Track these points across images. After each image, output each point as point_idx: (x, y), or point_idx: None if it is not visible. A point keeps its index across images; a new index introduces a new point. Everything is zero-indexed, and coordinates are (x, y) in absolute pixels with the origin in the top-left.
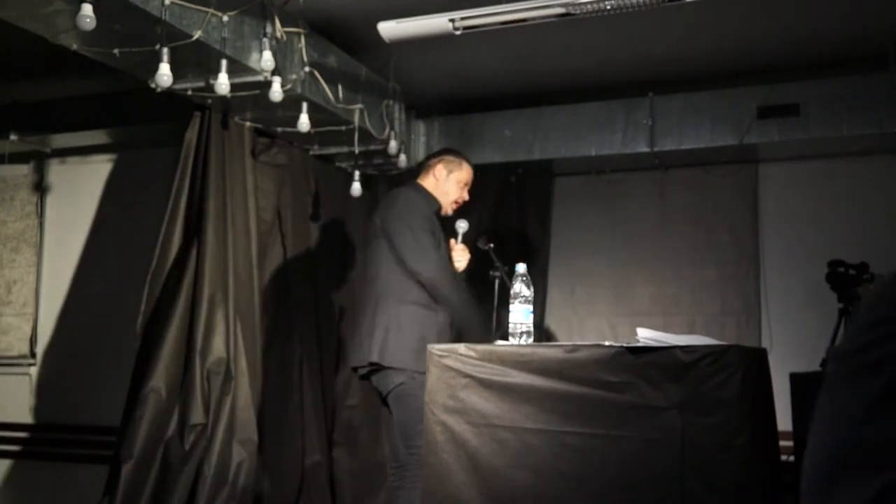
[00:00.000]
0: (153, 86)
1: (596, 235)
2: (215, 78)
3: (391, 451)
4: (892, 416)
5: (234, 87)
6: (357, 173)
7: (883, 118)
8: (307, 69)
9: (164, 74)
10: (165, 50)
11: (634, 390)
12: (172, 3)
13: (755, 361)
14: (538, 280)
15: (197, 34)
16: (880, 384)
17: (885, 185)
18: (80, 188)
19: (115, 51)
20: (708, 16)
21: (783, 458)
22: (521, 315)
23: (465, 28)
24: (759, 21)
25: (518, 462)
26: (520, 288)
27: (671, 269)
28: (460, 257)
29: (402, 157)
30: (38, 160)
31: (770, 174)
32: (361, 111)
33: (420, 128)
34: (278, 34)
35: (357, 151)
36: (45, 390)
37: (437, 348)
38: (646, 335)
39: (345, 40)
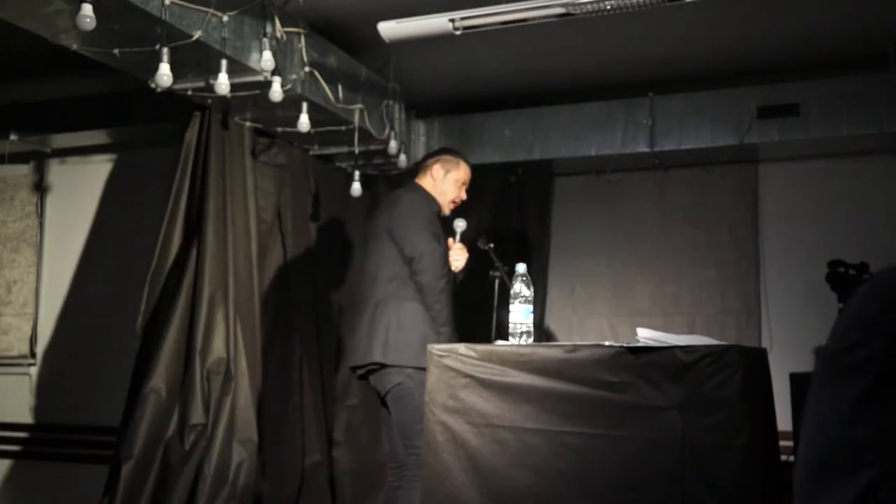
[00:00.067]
0: (153, 86)
1: (596, 235)
2: (215, 78)
3: (390, 451)
4: (877, 416)
5: (234, 87)
6: (357, 173)
7: (883, 118)
8: (307, 69)
9: (164, 74)
10: (165, 50)
11: (634, 390)
12: (172, 3)
13: (755, 361)
14: (538, 280)
15: (197, 34)
16: (865, 384)
17: (885, 185)
18: (80, 188)
19: (115, 51)
20: (708, 16)
21: (783, 458)
22: (521, 315)
23: (465, 28)
24: (759, 21)
25: (518, 462)
26: (520, 288)
27: (671, 269)
28: (458, 256)
29: (402, 157)
30: (38, 160)
31: (770, 174)
32: (361, 111)
33: (420, 128)
34: (278, 34)
35: (357, 151)
36: (45, 390)
37: (437, 348)
38: (646, 335)
39: (345, 40)
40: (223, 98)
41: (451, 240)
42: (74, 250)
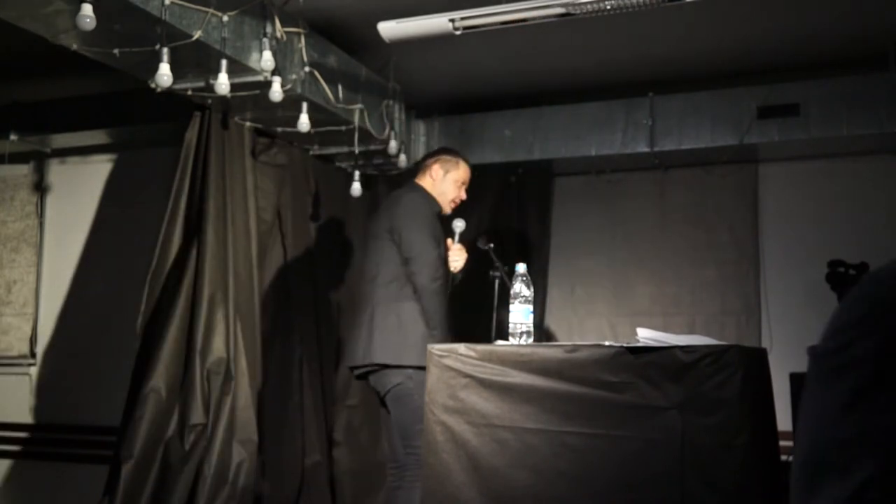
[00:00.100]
0: (153, 86)
1: (596, 235)
2: (215, 78)
3: (390, 451)
4: (868, 415)
5: (234, 87)
6: (357, 173)
7: (883, 118)
8: (307, 69)
9: (164, 74)
10: (165, 50)
11: (634, 390)
12: (172, 3)
13: (755, 361)
14: (538, 280)
15: (197, 34)
16: (856, 383)
17: (885, 185)
18: (80, 188)
19: (115, 51)
20: (708, 16)
21: (783, 458)
22: (521, 315)
23: (465, 28)
24: (759, 21)
25: (518, 462)
26: (520, 288)
27: (671, 269)
28: (457, 257)
29: (402, 157)
30: (38, 160)
31: (770, 174)
32: (361, 111)
33: (420, 128)
34: (278, 34)
35: (357, 151)
36: (45, 390)
37: (437, 348)
38: (646, 335)
39: (345, 40)
40: (223, 98)
41: (449, 240)
42: (74, 250)
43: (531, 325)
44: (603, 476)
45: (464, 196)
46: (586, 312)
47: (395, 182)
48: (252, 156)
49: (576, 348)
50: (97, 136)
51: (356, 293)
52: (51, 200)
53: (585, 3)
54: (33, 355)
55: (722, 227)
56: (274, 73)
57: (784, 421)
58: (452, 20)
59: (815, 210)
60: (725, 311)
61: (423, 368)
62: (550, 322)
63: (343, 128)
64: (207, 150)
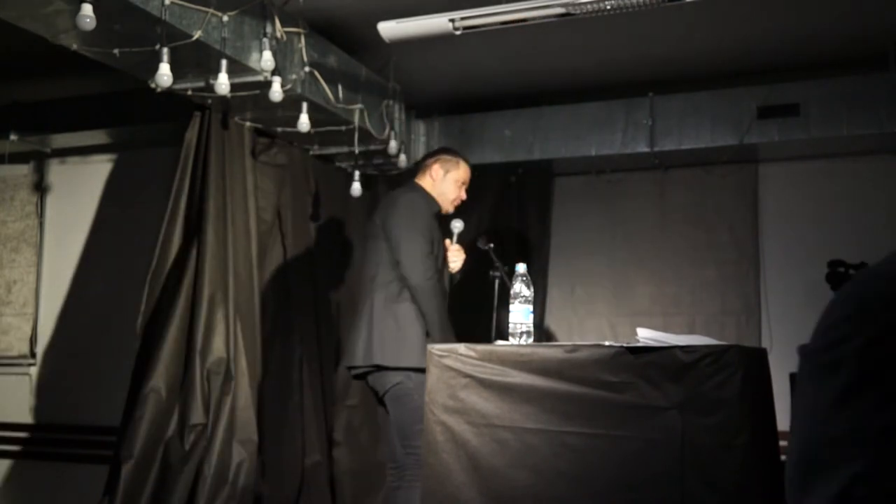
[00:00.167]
0: (153, 86)
1: (596, 235)
2: (215, 78)
3: (389, 451)
4: (856, 412)
5: (234, 87)
6: (357, 173)
7: (883, 118)
8: (307, 69)
9: (164, 74)
10: (165, 50)
11: (634, 390)
12: (172, 3)
13: (755, 361)
14: (538, 280)
15: (197, 34)
16: (844, 380)
17: (885, 185)
18: (80, 188)
19: (115, 51)
20: (708, 16)
21: (783, 458)
22: (521, 315)
23: (465, 28)
24: (759, 21)
25: (518, 462)
26: (520, 288)
27: (671, 269)
28: (455, 257)
29: (402, 157)
30: (38, 160)
31: (770, 174)
32: (361, 111)
33: (420, 128)
34: (278, 34)
35: (357, 151)
36: (45, 390)
37: (437, 348)
38: (646, 335)
39: (345, 40)
40: (223, 98)
41: (447, 241)
42: (74, 250)
43: (531, 325)
44: (603, 476)
45: (464, 196)
46: (586, 312)
47: (395, 182)
48: (252, 156)
49: (576, 348)
50: (97, 136)
51: (356, 293)
52: (51, 200)
53: (585, 3)
54: (33, 355)
55: (722, 227)
56: (274, 73)
57: (784, 421)
58: (452, 20)
59: (815, 210)
60: (725, 311)
61: (421, 370)
62: (550, 322)
63: (343, 128)
64: (207, 150)
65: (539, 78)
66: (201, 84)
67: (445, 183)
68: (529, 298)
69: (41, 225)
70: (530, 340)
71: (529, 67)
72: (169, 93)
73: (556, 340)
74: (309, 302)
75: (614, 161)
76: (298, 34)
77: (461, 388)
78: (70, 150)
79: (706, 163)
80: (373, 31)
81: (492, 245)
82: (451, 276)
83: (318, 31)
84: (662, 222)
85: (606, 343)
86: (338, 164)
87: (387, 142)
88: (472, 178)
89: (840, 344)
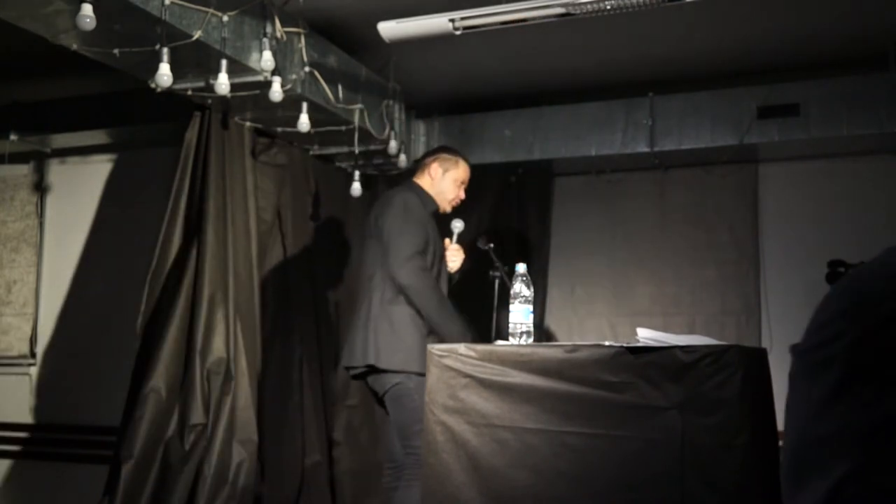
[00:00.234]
0: (153, 86)
1: (596, 235)
2: (215, 78)
3: (387, 451)
4: (846, 411)
5: (234, 87)
6: (357, 173)
7: (883, 118)
8: (307, 69)
9: (164, 74)
10: (165, 50)
11: (634, 390)
12: (172, 3)
13: (755, 361)
14: (538, 280)
15: (197, 34)
16: (833, 380)
17: (885, 185)
18: (80, 188)
19: (115, 51)
20: (708, 16)
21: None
22: (521, 315)
23: (465, 28)
24: (759, 21)
25: (518, 462)
26: (520, 288)
27: (671, 269)
28: (454, 257)
29: (402, 157)
30: (38, 160)
31: (770, 174)
32: (361, 111)
33: (420, 128)
34: (278, 34)
35: (357, 151)
36: (45, 390)
37: (437, 348)
38: (646, 335)
39: (345, 40)
40: (223, 98)
41: (447, 240)
42: (74, 250)
43: (531, 325)
44: (603, 476)
45: (462, 196)
46: (586, 312)
47: (394, 182)
48: (252, 156)
49: (576, 348)
50: (97, 136)
51: (355, 293)
52: (51, 200)
53: (585, 3)
54: (33, 355)
55: (722, 227)
56: (274, 73)
57: (784, 421)
58: (452, 20)
59: (815, 210)
60: (725, 311)
61: (417, 374)
62: (550, 322)
63: (343, 128)
64: (207, 150)
65: (539, 78)
66: (201, 84)
67: (444, 182)
68: (529, 298)
69: (41, 225)
70: (530, 340)
71: (529, 67)
72: (169, 93)
73: (556, 340)
74: (309, 302)
75: (614, 161)
76: (298, 34)
77: (461, 388)
78: (70, 150)
79: (706, 163)
80: (373, 31)
81: (492, 245)
82: (451, 275)
83: (318, 31)
84: (662, 222)
85: (606, 343)
86: (338, 164)
87: (387, 142)
88: (471, 177)
89: (831, 342)
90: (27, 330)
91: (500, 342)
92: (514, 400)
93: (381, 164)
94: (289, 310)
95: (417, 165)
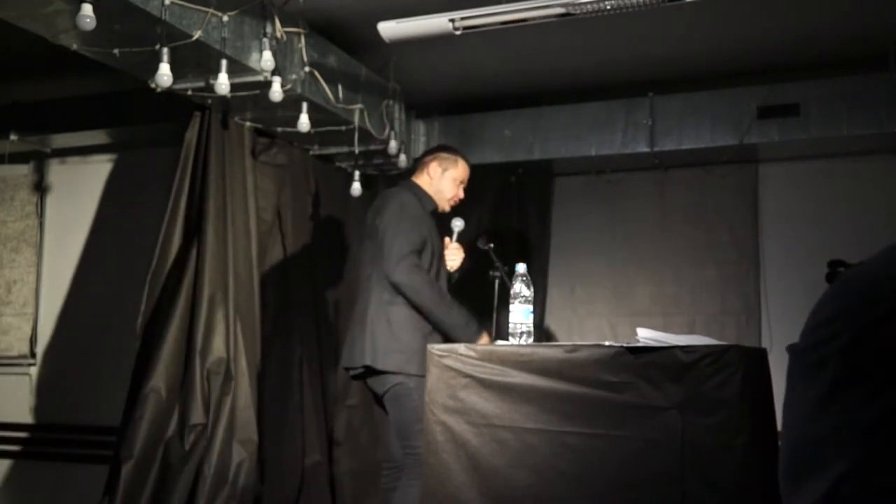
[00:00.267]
0: (153, 86)
1: (596, 235)
2: (215, 78)
3: (386, 452)
4: (843, 411)
5: (234, 87)
6: (357, 173)
7: (883, 118)
8: (307, 69)
9: (164, 74)
10: (165, 50)
11: (634, 390)
12: (172, 3)
13: (755, 361)
14: (538, 280)
15: (197, 34)
16: (829, 380)
17: (885, 185)
18: (80, 188)
19: (115, 51)
20: (708, 16)
21: None
22: (521, 315)
23: (465, 28)
24: (759, 21)
25: (518, 462)
26: (520, 288)
27: (671, 269)
28: (454, 256)
29: (402, 157)
30: (38, 160)
31: (770, 174)
32: (361, 111)
33: (420, 128)
34: (278, 34)
35: (357, 151)
36: (45, 390)
37: (437, 348)
38: (646, 335)
39: (345, 40)
40: (223, 98)
41: (447, 239)
42: (74, 250)
43: (531, 325)
44: (603, 476)
45: (461, 195)
46: (586, 312)
47: (394, 182)
48: (252, 156)
49: (576, 348)
50: (97, 136)
51: (355, 293)
52: (51, 200)
53: (585, 3)
54: (33, 355)
55: (722, 227)
56: (274, 73)
57: None
58: (452, 20)
59: (815, 210)
60: (725, 311)
61: (414, 375)
62: (550, 322)
63: (343, 128)
64: (207, 150)
65: (539, 78)
66: (201, 84)
67: (443, 181)
68: (529, 298)
69: (41, 225)
70: (530, 340)
71: (529, 67)
72: (169, 93)
73: (556, 340)
74: (309, 302)
75: (614, 161)
76: (298, 34)
77: (461, 388)
78: (70, 150)
79: (706, 163)
80: (373, 31)
81: (492, 245)
82: (451, 274)
83: (318, 31)
84: (662, 222)
85: (606, 343)
86: (338, 164)
87: (387, 142)
88: (471, 177)
89: (827, 342)
90: (27, 330)
91: (500, 342)
92: (514, 400)
93: (381, 164)
94: (289, 310)
95: (416, 164)
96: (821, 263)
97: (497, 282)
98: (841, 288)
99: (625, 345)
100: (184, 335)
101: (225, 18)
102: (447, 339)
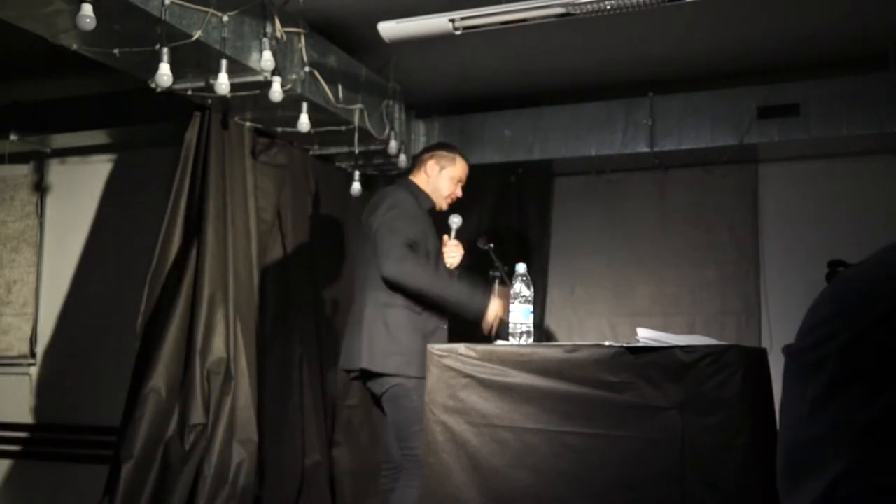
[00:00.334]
0: (153, 86)
1: (596, 235)
2: (215, 78)
3: (385, 452)
4: (839, 411)
5: (234, 87)
6: (357, 173)
7: (883, 118)
8: (307, 69)
9: (164, 74)
10: (165, 50)
11: (634, 390)
12: (172, 3)
13: (755, 361)
14: (538, 280)
15: (197, 34)
16: (825, 380)
17: (885, 185)
18: (80, 188)
19: (115, 51)
20: (708, 16)
21: None
22: (521, 315)
23: (465, 28)
24: (759, 21)
25: (518, 462)
26: (520, 288)
27: (671, 269)
28: (453, 253)
29: (402, 157)
30: (38, 160)
31: (770, 174)
32: (361, 111)
33: (420, 128)
34: (278, 34)
35: (357, 151)
36: (45, 390)
37: (437, 348)
38: (646, 335)
39: (345, 40)
40: (223, 98)
41: (445, 236)
42: (74, 250)
43: (531, 325)
44: (603, 476)
45: (459, 193)
46: (586, 312)
47: (394, 182)
48: (252, 156)
49: (576, 348)
50: (97, 136)
51: (355, 293)
52: (51, 200)
53: (585, 3)
54: (33, 355)
55: (722, 227)
56: (274, 73)
57: None
58: (452, 20)
59: (815, 210)
60: (725, 311)
61: (414, 378)
62: (550, 322)
63: (343, 128)
64: (207, 150)
65: (539, 78)
66: (201, 84)
67: (440, 179)
68: (529, 298)
69: (41, 225)
70: (530, 340)
71: (529, 67)
72: (169, 93)
73: (556, 340)
74: (309, 302)
75: (614, 161)
76: (298, 34)
77: (461, 388)
78: (70, 150)
79: (706, 163)
80: (373, 31)
81: (492, 245)
82: (450, 272)
83: (318, 31)
84: (662, 222)
85: (606, 343)
86: (338, 164)
87: (387, 142)
88: (471, 177)
89: (824, 342)
90: (27, 330)
91: (500, 342)
92: (514, 400)
93: (381, 164)
94: (289, 310)
95: (415, 161)
96: (821, 263)
97: (497, 282)
98: (840, 287)
99: (625, 345)
100: (184, 335)
101: (225, 18)
102: (457, 316)
